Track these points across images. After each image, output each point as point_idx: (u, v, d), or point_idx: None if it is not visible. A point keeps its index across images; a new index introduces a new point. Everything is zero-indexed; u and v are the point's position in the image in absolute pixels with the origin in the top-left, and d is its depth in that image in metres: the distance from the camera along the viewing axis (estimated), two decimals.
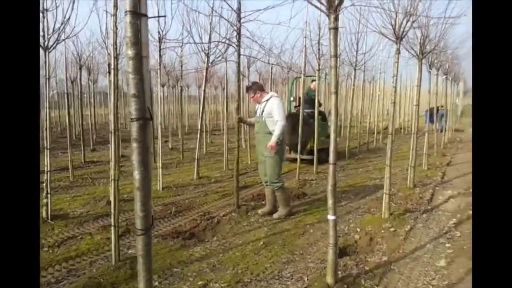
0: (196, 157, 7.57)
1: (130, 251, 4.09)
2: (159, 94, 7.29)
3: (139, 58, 1.37)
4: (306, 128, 8.11)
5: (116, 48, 3.24)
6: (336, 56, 2.81)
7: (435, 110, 10.94)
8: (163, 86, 16.91)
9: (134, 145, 1.53)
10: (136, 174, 1.59)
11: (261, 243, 4.22)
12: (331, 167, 2.89)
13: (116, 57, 3.29)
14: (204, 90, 6.96)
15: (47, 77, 4.60)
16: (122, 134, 16.03)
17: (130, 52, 1.38)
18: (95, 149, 12.33)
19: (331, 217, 2.99)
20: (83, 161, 9.81)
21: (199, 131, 7.50)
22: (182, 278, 3.44)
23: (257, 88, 5.03)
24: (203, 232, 4.75)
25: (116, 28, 3.21)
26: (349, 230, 4.65)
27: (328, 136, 7.44)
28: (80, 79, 10.36)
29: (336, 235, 3.05)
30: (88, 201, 5.93)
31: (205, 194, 6.47)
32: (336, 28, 2.77)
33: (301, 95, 8.50)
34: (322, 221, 4.87)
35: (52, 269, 3.66)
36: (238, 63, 4.86)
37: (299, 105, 8.76)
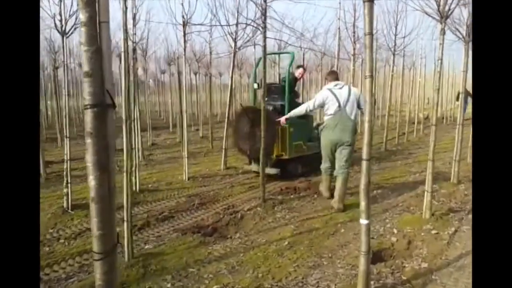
0: (224, 147, 7.29)
1: (146, 246, 3.87)
2: (184, 81, 6.95)
3: (94, 24, 1.04)
4: (270, 128, 5.46)
5: (126, 30, 2.95)
6: (371, 33, 2.38)
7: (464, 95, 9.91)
8: (195, 74, 16.82)
9: (88, 141, 1.21)
10: (91, 180, 1.27)
11: (286, 243, 3.87)
12: (364, 164, 2.48)
13: (126, 39, 3.00)
14: (232, 77, 6.64)
15: (65, 63, 4.42)
16: (153, 121, 16.14)
17: (83, 16, 1.05)
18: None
19: (363, 221, 2.59)
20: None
21: (226, 120, 7.20)
22: (197, 281, 3.16)
23: (332, 77, 5.35)
24: (226, 228, 4.47)
25: (126, 8, 2.91)
26: (384, 231, 4.20)
27: (310, 140, 6.73)
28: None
29: (369, 242, 2.65)
30: None
31: (231, 186, 6.18)
32: (371, 1, 2.33)
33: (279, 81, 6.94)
34: (354, 220, 4.44)
35: (65, 263, 3.49)
36: (264, 47, 4.47)
37: (268, 96, 6.48)
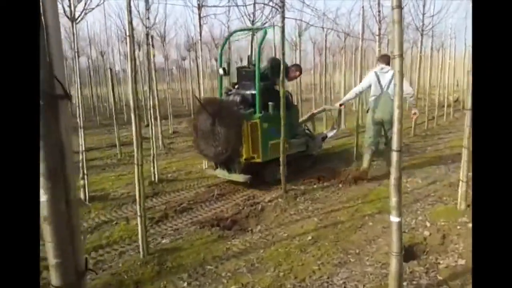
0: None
1: (164, 241, 3.72)
2: (201, 67, 6.72)
3: None
4: (234, 125, 4.69)
5: (130, 11, 2.72)
6: (400, 7, 2.07)
7: None
8: (216, 59, 16.57)
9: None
10: (42, 195, 1.03)
11: (309, 237, 3.63)
12: (395, 155, 2.19)
13: (131, 22, 2.78)
14: (249, 61, 6.34)
15: (75, 50, 4.26)
16: (175, 109, 16.07)
17: None
18: (149, 125, 12.31)
19: (395, 219, 2.31)
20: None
21: None
22: (214, 279, 2.97)
23: (383, 60, 5.46)
24: (246, 220, 4.27)
25: None
26: (416, 224, 3.90)
27: (294, 136, 5.62)
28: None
29: (401, 241, 2.37)
30: (131, 181, 5.68)
31: None
32: None
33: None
34: (383, 212, 4.16)
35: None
36: (282, 28, 4.17)
37: (239, 83, 5.61)
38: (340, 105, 6.01)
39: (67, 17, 4.18)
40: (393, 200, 2.28)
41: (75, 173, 1.12)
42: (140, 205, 3.16)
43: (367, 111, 5.68)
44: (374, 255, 3.29)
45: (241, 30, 6.19)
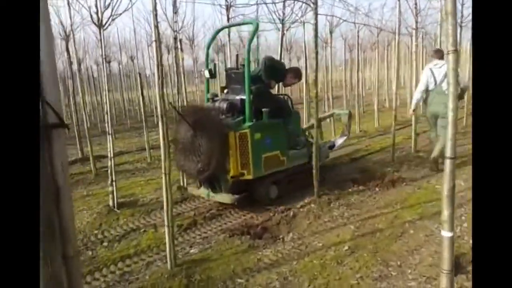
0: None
1: (192, 250, 3.58)
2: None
3: None
4: (217, 136, 3.99)
5: (156, 15, 2.58)
6: None
7: None
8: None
9: None
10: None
11: (346, 247, 3.39)
12: (448, 164, 1.93)
13: (157, 26, 2.64)
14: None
15: (103, 56, 4.20)
16: None
17: None
18: None
19: (446, 233, 2.05)
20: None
21: None
22: None
23: (437, 55, 5.57)
24: (277, 227, 4.07)
25: None
26: (461, 231, 3.58)
27: (295, 146, 4.91)
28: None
29: (453, 258, 2.11)
30: (160, 186, 5.59)
31: None
32: None
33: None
34: (424, 218, 3.86)
35: (107, 270, 3.29)
36: (316, 25, 3.94)
37: (228, 86, 4.97)
38: (413, 110, 5.93)
39: (95, 23, 4.13)
40: (446, 213, 2.02)
41: (73, 220, 0.94)
42: (167, 215, 3.03)
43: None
44: (417, 267, 3.01)
45: (228, 26, 5.57)
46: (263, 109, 4.45)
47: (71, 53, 7.31)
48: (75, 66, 8.60)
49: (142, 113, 8.29)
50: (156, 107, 13.37)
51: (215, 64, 4.74)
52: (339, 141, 6.12)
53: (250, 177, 4.27)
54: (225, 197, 4.40)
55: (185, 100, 7.03)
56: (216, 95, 4.87)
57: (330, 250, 3.37)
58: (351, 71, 10.68)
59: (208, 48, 5.19)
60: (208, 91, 5.07)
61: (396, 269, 3.02)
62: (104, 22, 4.13)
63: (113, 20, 4.22)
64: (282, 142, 4.62)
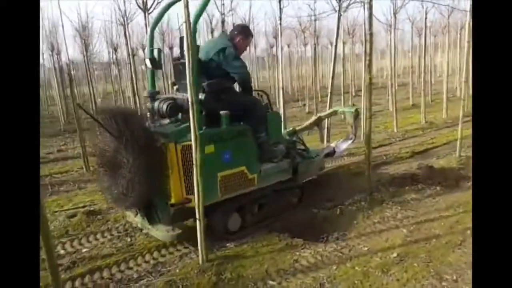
0: (326, 125, 6.49)
1: (228, 244, 3.43)
2: (281, 54, 6.27)
3: None
4: (147, 150, 2.99)
5: None
6: None
7: None
8: (305, 45, 15.98)
9: None
10: None
11: (395, 254, 3.03)
12: None
13: (187, 6, 2.45)
14: (336, 45, 5.74)
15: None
16: None
17: None
18: None
19: None
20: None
21: (329, 94, 6.37)
22: None
23: None
24: (320, 226, 3.78)
25: None
26: None
27: (270, 160, 3.75)
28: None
29: None
30: None
31: (333, 171, 5.41)
32: None
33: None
34: None
35: (142, 259, 3.24)
36: (370, 3, 3.53)
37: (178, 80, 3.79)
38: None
39: (140, 8, 4.07)
40: None
41: None
42: (198, 208, 2.88)
43: None
44: None
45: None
46: (220, 112, 3.30)
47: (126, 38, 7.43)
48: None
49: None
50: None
51: (160, 51, 3.75)
52: (342, 146, 4.99)
53: (207, 201, 3.08)
54: (160, 232, 3.32)
55: None
56: (158, 93, 3.75)
57: (376, 256, 3.03)
58: (419, 57, 9.84)
59: (152, 29, 3.94)
60: (153, 86, 3.87)
61: (451, 284, 2.62)
62: (149, 6, 4.05)
63: (158, 3, 4.12)
64: (249, 155, 3.49)
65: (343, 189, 4.56)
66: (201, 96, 3.24)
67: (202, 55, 3.55)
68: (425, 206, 3.94)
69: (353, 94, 13.75)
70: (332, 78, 6.44)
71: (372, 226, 3.57)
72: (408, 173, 5.02)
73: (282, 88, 5.81)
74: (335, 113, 5.17)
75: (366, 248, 3.17)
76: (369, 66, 3.90)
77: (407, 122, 8.70)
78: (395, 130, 7.83)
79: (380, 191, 4.32)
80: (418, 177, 4.85)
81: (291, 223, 3.82)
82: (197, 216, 2.91)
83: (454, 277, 2.69)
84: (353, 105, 5.81)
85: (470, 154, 5.51)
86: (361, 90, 11.44)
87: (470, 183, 4.51)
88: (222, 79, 3.51)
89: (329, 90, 6.41)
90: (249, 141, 3.50)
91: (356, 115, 4.81)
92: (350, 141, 4.96)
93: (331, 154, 4.83)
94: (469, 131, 6.62)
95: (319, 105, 11.28)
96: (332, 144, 5.00)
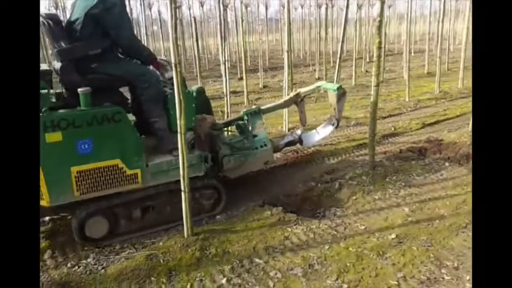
0: None
1: (218, 217, 3.27)
2: (289, 15, 5.79)
3: None
4: None
5: None
6: None
7: None
8: (319, 7, 15.24)
9: None
10: None
11: (393, 235, 2.82)
12: None
13: None
14: (347, 6, 5.31)
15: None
16: (273, 61, 15.44)
17: None
18: (242, 78, 11.95)
19: None
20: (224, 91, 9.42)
21: (338, 59, 6.00)
22: (259, 280, 2.41)
23: None
24: (317, 200, 3.60)
25: None
26: None
27: (169, 152, 3.07)
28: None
29: None
30: None
31: (337, 141, 5.15)
32: None
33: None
34: None
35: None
36: None
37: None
38: None
39: None
40: None
41: None
42: (183, 179, 2.69)
43: None
44: None
45: None
46: (78, 90, 2.65)
47: None
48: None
49: (200, 63, 7.93)
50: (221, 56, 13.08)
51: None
52: (321, 133, 4.16)
53: (45, 204, 2.64)
54: None
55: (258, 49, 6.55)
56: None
57: (372, 236, 2.83)
58: (438, 22, 9.24)
59: None
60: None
61: (451, 272, 2.41)
62: None
63: None
64: (126, 145, 2.80)
65: (346, 160, 4.32)
66: (57, 65, 2.70)
67: (75, 12, 2.84)
68: (430, 183, 3.69)
69: (367, 60, 13.28)
70: (342, 42, 6.03)
71: (372, 203, 3.35)
72: (416, 146, 4.75)
73: (289, 51, 5.44)
74: (318, 89, 4.13)
75: (363, 227, 2.97)
76: (379, 28, 3.53)
77: (420, 91, 8.30)
78: (407, 99, 7.46)
79: (384, 165, 4.06)
80: (426, 151, 4.58)
81: (287, 197, 3.63)
82: (182, 187, 2.72)
83: (455, 264, 2.48)
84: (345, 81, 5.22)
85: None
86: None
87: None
88: (90, 42, 2.77)
89: (338, 55, 6.01)
90: (124, 127, 2.76)
91: (341, 94, 3.85)
92: (332, 127, 4.09)
93: (294, 142, 4.10)
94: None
95: (330, 71, 10.87)
96: (298, 131, 4.13)
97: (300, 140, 4.06)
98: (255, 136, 3.72)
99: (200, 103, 3.35)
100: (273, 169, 4.26)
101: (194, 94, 3.19)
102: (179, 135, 2.61)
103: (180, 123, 2.57)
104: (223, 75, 5.85)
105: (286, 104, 4.25)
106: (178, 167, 2.76)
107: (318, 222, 3.06)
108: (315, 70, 12.08)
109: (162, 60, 3.28)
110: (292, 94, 4.18)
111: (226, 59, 5.64)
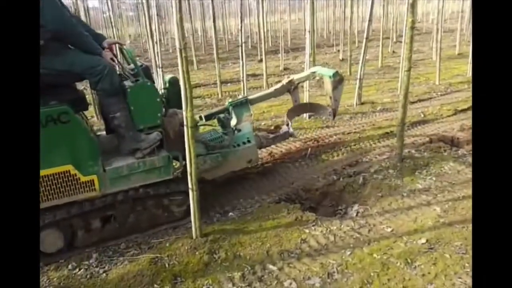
0: (359, 75, 5.77)
1: (230, 214, 3.05)
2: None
3: None
4: None
5: None
6: None
7: None
8: None
9: None
10: None
11: (423, 240, 2.52)
12: None
13: None
14: None
15: None
16: (296, 42, 14.93)
17: None
18: (262, 60, 11.57)
19: None
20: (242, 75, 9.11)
21: (364, 39, 5.58)
22: None
23: None
24: (339, 196, 3.32)
25: None
26: None
27: (131, 153, 2.72)
28: None
29: None
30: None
31: (362, 129, 4.81)
32: None
33: None
34: None
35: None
36: None
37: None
38: None
39: None
40: None
41: None
42: (191, 176, 2.46)
43: None
44: None
45: None
46: None
47: None
48: None
49: (216, 43, 7.61)
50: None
51: None
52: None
53: None
54: None
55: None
56: None
57: (400, 240, 2.54)
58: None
59: None
60: None
61: None
62: None
63: None
64: (79, 149, 2.47)
65: (372, 152, 4.00)
66: None
67: None
68: (465, 179, 3.33)
69: (394, 40, 12.63)
70: (369, 20, 5.60)
71: (400, 200, 3.04)
72: (448, 135, 4.37)
73: (311, 31, 5.07)
74: (313, 75, 3.74)
75: (389, 230, 2.68)
76: (412, 6, 3.15)
77: (451, 74, 7.77)
78: (437, 83, 6.97)
79: (413, 157, 3.72)
80: (459, 141, 4.20)
81: (306, 191, 3.37)
82: (189, 185, 2.49)
83: None
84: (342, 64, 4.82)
85: None
86: (402, 36, 10.37)
87: None
88: None
89: (365, 34, 5.59)
90: (73, 128, 2.42)
91: (338, 80, 3.49)
92: (329, 118, 3.88)
93: (284, 137, 3.77)
94: None
95: (355, 51, 10.37)
96: (285, 127, 3.82)
97: (291, 134, 3.75)
98: (238, 130, 3.36)
99: (174, 96, 2.94)
100: (292, 160, 3.99)
101: (167, 85, 2.86)
102: (185, 128, 2.37)
103: (186, 114, 2.33)
104: (240, 57, 5.54)
105: (277, 93, 3.77)
106: (141, 171, 2.57)
107: (340, 223, 2.79)
108: (338, 50, 11.57)
109: (125, 50, 2.92)
110: (284, 82, 3.75)
111: (244, 41, 5.33)
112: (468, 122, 4.78)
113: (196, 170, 2.47)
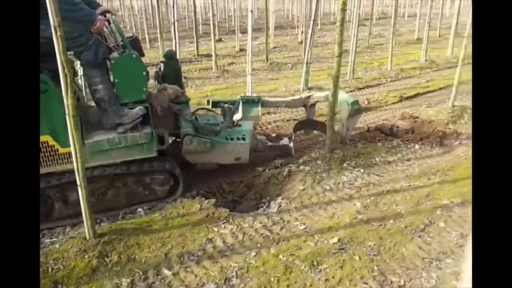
0: (305, 59, 5.56)
1: (139, 210, 2.80)
2: None
3: None
4: None
5: None
6: None
7: None
8: None
9: None
10: None
11: (335, 239, 2.37)
12: None
13: None
14: None
15: None
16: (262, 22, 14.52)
17: None
18: (221, 39, 11.19)
19: None
20: (196, 54, 8.75)
21: (312, 22, 5.36)
22: None
23: None
24: (264, 188, 3.14)
25: None
26: None
27: (112, 127, 2.64)
28: None
29: None
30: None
31: (303, 116, 4.62)
32: None
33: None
34: (468, 203, 2.66)
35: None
36: None
37: None
38: None
39: None
40: None
41: None
42: (78, 172, 2.18)
43: None
44: None
45: None
46: None
47: None
48: None
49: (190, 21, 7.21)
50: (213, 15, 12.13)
51: None
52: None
53: None
54: None
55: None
56: None
57: (311, 239, 2.38)
58: None
59: None
60: None
61: None
62: None
63: None
64: (56, 119, 2.40)
65: (304, 141, 3.83)
66: None
67: None
68: (393, 171, 3.23)
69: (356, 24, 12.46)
70: (317, 2, 5.37)
71: (321, 194, 2.88)
72: (387, 124, 4.25)
73: (251, 12, 4.81)
74: (326, 98, 3.49)
75: (302, 227, 2.52)
76: None
77: (406, 60, 7.72)
78: (389, 68, 6.88)
79: (344, 148, 3.57)
80: (398, 129, 4.10)
81: (230, 184, 3.17)
82: (77, 182, 2.22)
83: (402, 281, 2.05)
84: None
85: (466, 103, 4.66)
86: (368, 19, 10.15)
87: (457, 142, 3.75)
88: None
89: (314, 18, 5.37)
90: (51, 98, 2.33)
91: (356, 110, 3.52)
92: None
93: (281, 150, 3.61)
94: (469, 75, 5.72)
95: (317, 34, 10.16)
96: (286, 140, 3.74)
97: (289, 149, 3.56)
98: (238, 126, 3.25)
99: (169, 70, 3.07)
100: None
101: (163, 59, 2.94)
102: (67, 117, 2.08)
103: (67, 102, 2.04)
104: (173, 37, 5.25)
105: (292, 104, 3.76)
106: (123, 147, 2.56)
107: (253, 220, 2.60)
108: (302, 32, 11.32)
109: (112, 20, 2.67)
110: (303, 95, 3.74)
111: (176, 19, 5.00)
112: (411, 110, 4.69)
113: (83, 165, 2.19)
